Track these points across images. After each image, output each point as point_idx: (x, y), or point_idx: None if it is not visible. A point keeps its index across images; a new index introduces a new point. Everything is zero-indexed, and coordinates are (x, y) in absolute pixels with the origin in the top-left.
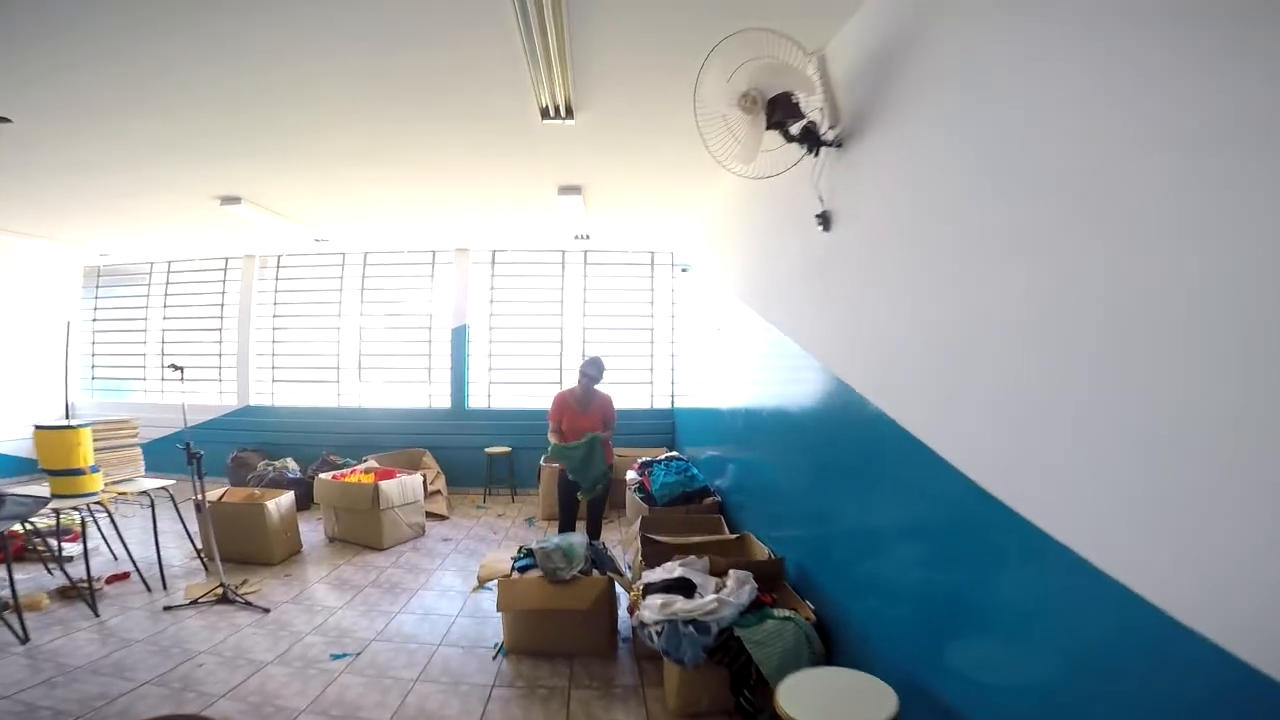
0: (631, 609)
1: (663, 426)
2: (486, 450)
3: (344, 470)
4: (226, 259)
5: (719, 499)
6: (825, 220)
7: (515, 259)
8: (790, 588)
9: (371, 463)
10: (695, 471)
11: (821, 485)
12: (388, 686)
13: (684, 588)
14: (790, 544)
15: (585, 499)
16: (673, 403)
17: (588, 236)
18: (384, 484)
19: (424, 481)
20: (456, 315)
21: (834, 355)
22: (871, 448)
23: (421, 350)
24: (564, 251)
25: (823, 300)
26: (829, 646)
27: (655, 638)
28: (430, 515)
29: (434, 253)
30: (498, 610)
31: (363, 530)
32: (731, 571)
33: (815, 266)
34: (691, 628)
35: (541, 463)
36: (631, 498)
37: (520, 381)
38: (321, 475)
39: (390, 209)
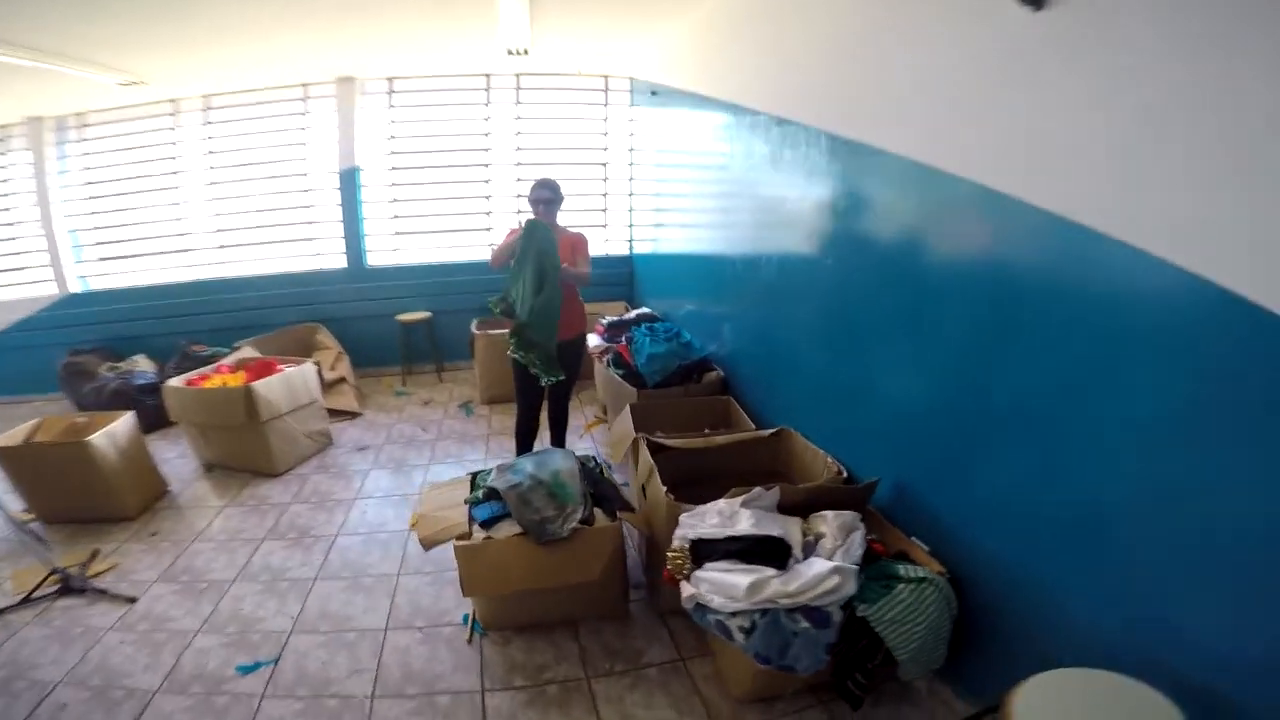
0: (672, 578)
1: (619, 277)
2: (399, 318)
3: (207, 368)
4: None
5: (721, 373)
6: None
7: (422, 86)
8: (881, 517)
9: (247, 351)
10: (689, 337)
11: (947, 356)
12: (335, 713)
13: (768, 549)
14: (861, 443)
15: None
16: (631, 248)
17: (526, 52)
18: (259, 386)
19: (318, 371)
20: (344, 156)
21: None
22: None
23: (300, 203)
24: (489, 75)
25: (1027, 110)
26: (963, 609)
27: (737, 635)
28: (336, 414)
29: (306, 86)
30: (465, 595)
31: (245, 452)
32: (829, 514)
33: (1012, 62)
34: (803, 619)
35: (473, 330)
36: (606, 374)
37: (437, 230)
38: (171, 382)
39: (226, 32)
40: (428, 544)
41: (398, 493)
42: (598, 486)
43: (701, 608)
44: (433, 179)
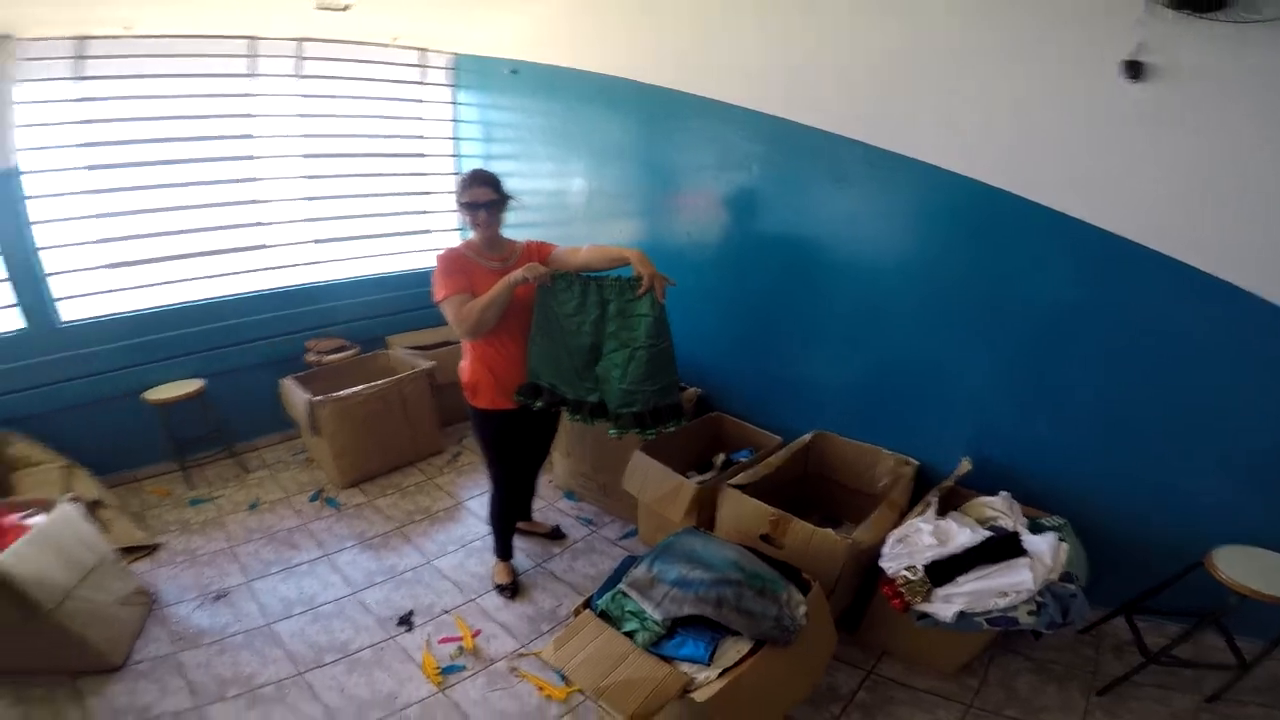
0: (904, 603)
1: None
2: (149, 397)
3: None
4: None
5: (698, 390)
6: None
7: (135, 50)
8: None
9: None
10: None
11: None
12: None
13: (1005, 546)
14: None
15: (622, 435)
16: None
17: (346, 7)
18: (11, 563)
19: (84, 508)
20: None
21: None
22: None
23: None
24: (255, 39)
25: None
26: None
27: (1026, 618)
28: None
29: None
30: None
31: (40, 653)
32: (987, 499)
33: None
34: (1068, 584)
35: (298, 392)
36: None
37: (183, 255)
38: None
39: None
40: (643, 718)
41: (358, 645)
42: (772, 561)
43: (966, 615)
44: (167, 180)
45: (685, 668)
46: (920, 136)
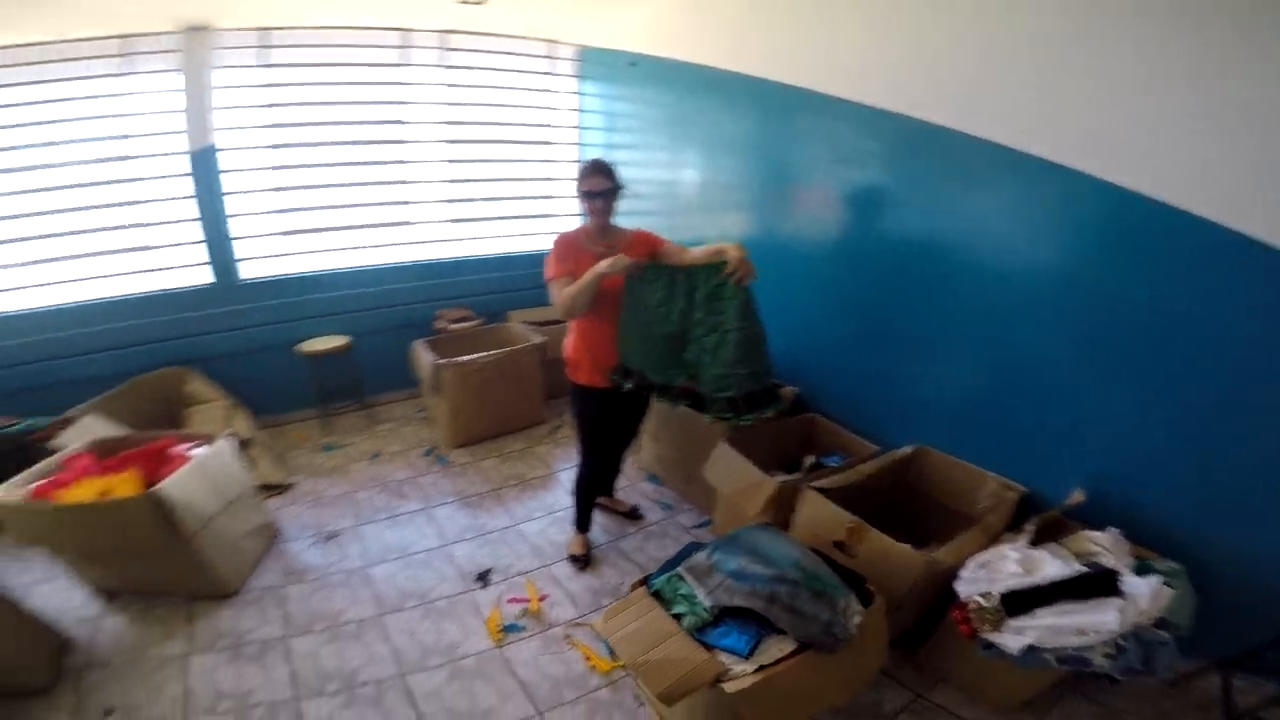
0: (972, 630)
1: None
2: (303, 349)
3: (51, 463)
4: None
5: (795, 388)
6: None
7: (309, 40)
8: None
9: (91, 423)
10: None
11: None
12: None
13: (1098, 583)
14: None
15: (716, 418)
16: None
17: (482, 1)
18: (172, 489)
19: (238, 445)
20: (196, 132)
21: None
22: None
23: (129, 197)
24: (406, 30)
25: None
26: None
27: (1100, 660)
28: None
29: (126, 38)
30: None
31: (168, 575)
32: (1091, 534)
33: None
34: (1160, 630)
35: (426, 355)
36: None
37: (341, 226)
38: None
39: None
40: (672, 698)
41: (437, 595)
42: (832, 565)
43: (1035, 650)
44: (329, 159)
45: (723, 657)
46: (1065, 139)
